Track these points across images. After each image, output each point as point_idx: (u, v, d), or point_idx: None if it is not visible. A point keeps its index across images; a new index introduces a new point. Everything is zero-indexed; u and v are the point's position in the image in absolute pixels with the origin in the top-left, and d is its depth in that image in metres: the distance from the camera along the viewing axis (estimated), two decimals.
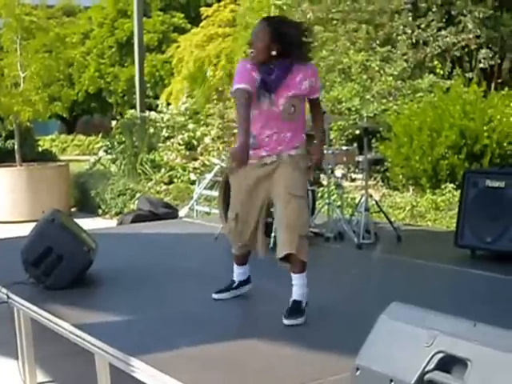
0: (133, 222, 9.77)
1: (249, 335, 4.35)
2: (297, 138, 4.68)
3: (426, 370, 2.56)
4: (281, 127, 4.63)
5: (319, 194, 9.31)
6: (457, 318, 2.67)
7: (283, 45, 4.54)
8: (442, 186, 10.60)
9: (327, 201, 7.60)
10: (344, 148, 8.42)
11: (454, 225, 7.04)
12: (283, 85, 4.57)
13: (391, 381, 2.61)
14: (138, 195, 12.71)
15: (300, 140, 4.70)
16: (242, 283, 5.25)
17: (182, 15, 28.30)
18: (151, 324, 4.68)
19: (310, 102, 4.84)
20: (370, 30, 14.54)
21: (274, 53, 4.53)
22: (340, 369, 3.54)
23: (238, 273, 5.25)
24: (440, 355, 2.56)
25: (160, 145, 15.48)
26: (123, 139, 15.49)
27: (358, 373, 2.77)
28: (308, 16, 14.62)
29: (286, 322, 4.52)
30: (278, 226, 4.70)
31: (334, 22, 14.68)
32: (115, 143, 15.70)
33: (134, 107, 18.24)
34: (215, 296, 5.17)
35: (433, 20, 14.08)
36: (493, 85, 13.99)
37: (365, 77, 13.39)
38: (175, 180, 14.06)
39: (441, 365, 2.56)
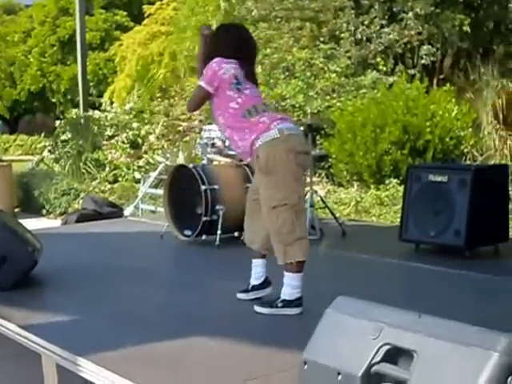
0: (77, 221, 9.68)
1: (196, 333, 4.35)
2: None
3: (372, 362, 2.59)
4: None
5: None
6: (402, 311, 2.71)
7: None
8: (386, 182, 10.71)
9: None
10: None
11: (399, 219, 7.13)
12: None
13: (338, 373, 2.64)
14: (82, 195, 12.58)
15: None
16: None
17: (125, 13, 28.13)
18: (97, 323, 4.65)
19: None
20: (314, 27, 14.61)
21: None
22: (287, 365, 3.59)
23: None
24: (386, 347, 2.59)
25: (104, 143, 15.36)
26: (67, 138, 15.33)
27: (305, 367, 2.79)
28: (253, 13, 14.64)
29: (256, 308, 4.70)
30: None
31: (278, 19, 14.71)
32: (59, 143, 15.52)
33: (77, 106, 18.07)
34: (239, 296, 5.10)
35: (375, 17, 14.20)
36: (435, 81, 14.17)
37: (308, 74, 13.44)
38: (120, 179, 13.95)
39: (387, 357, 2.59)
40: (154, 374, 3.70)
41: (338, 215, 8.25)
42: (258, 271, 5.03)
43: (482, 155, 12.25)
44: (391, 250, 6.75)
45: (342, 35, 14.16)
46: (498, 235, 6.57)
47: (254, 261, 5.05)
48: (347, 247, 7.10)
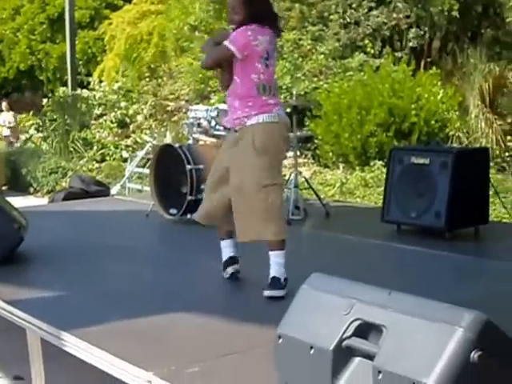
0: (64, 199, 9.74)
1: (180, 310, 4.42)
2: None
3: (344, 336, 2.68)
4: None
5: None
6: (373, 288, 2.80)
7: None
8: (371, 163, 10.81)
9: None
10: None
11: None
12: None
13: (311, 348, 2.73)
14: (69, 173, 12.64)
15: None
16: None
17: None
18: (83, 300, 4.73)
19: None
20: (304, 9, 14.63)
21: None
22: (266, 340, 3.68)
23: None
24: (357, 322, 2.68)
25: (92, 122, 15.40)
26: (55, 117, 15.36)
27: (280, 341, 2.88)
28: None
29: (265, 293, 4.60)
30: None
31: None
32: (46, 121, 15.55)
33: (65, 84, 18.07)
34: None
35: (364, 0, 14.26)
36: (422, 64, 14.25)
37: (296, 55, 13.50)
38: (107, 158, 14.02)
39: (358, 331, 2.68)
40: (137, 348, 3.78)
41: (323, 196, 8.34)
42: (228, 252, 5.08)
43: (468, 138, 12.35)
44: (373, 231, 6.84)
45: (331, 17, 14.19)
46: (479, 217, 6.66)
47: (222, 243, 5.09)
48: (330, 228, 7.18)
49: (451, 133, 11.69)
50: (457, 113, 12.11)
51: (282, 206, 4.77)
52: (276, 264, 4.69)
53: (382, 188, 8.68)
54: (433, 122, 11.12)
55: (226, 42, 4.64)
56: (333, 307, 2.76)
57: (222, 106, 7.85)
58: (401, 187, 6.69)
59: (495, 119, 12.69)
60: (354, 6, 14.26)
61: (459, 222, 6.46)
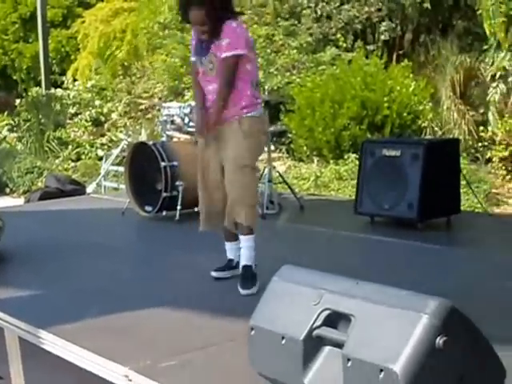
0: (40, 199, 9.74)
1: (156, 305, 4.48)
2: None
3: (314, 326, 2.75)
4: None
5: None
6: (342, 278, 2.87)
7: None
8: (345, 157, 10.89)
9: None
10: None
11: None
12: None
13: (283, 338, 2.79)
14: (45, 173, 12.61)
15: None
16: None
17: None
18: (60, 298, 4.77)
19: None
20: (277, 4, 14.67)
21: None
22: (241, 333, 3.76)
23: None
24: (326, 312, 2.75)
25: (68, 122, 15.37)
26: (29, 117, 15.32)
27: (252, 332, 2.94)
28: None
29: (242, 292, 4.64)
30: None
31: None
32: (21, 121, 15.51)
33: (39, 84, 18.02)
34: (214, 274, 5.04)
35: None
36: (394, 56, 14.34)
37: (269, 50, 13.54)
38: (83, 157, 14.00)
39: (327, 321, 2.75)
40: (114, 343, 3.84)
41: (298, 190, 8.42)
42: (233, 254, 5.06)
43: (441, 129, 12.45)
44: (347, 223, 6.93)
45: (304, 12, 14.25)
46: (450, 207, 6.76)
47: (227, 244, 5.08)
48: (305, 221, 7.26)
49: (424, 124, 11.79)
50: (430, 104, 12.21)
51: (256, 191, 4.92)
52: (246, 248, 4.78)
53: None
54: (405, 115, 11.22)
55: (230, 53, 4.60)
56: (303, 298, 2.83)
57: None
58: (373, 179, 6.78)
59: (467, 110, 12.79)
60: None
61: (431, 212, 6.55)
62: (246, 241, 4.78)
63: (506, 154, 12.23)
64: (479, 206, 8.45)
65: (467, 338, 2.59)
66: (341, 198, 9.28)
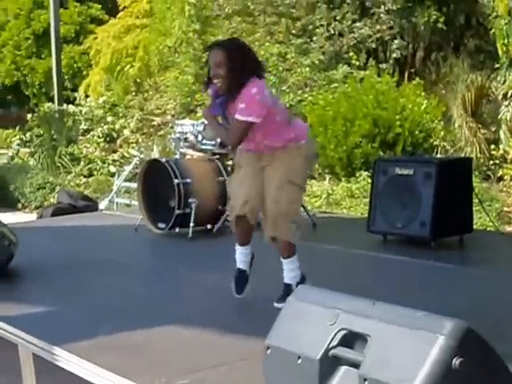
0: (53, 215, 9.78)
1: (169, 322, 4.49)
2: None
3: (330, 346, 2.76)
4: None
5: None
6: (357, 298, 2.88)
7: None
8: (357, 174, 10.89)
9: None
10: None
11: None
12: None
13: (299, 357, 2.80)
14: (57, 188, 12.67)
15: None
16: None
17: (99, 6, 28.08)
18: (73, 314, 4.78)
19: None
20: (290, 23, 14.74)
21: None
22: (254, 352, 3.78)
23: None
24: (343, 332, 2.76)
25: (80, 138, 15.45)
26: (41, 132, 15.40)
27: (268, 352, 2.95)
28: (226, 10, 14.77)
29: (276, 305, 4.59)
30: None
31: (256, 13, 14.81)
32: (33, 136, 15.59)
33: (51, 100, 18.12)
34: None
35: (347, 12, 14.37)
36: (406, 74, 14.37)
37: (281, 68, 13.59)
38: (95, 173, 14.06)
39: (344, 341, 2.76)
40: (128, 361, 3.84)
41: (309, 207, 8.43)
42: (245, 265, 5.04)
43: (452, 147, 12.45)
44: (360, 242, 6.92)
45: (316, 30, 14.31)
46: (463, 226, 6.76)
47: (240, 248, 5.03)
48: (317, 238, 7.25)
49: (435, 143, 11.79)
50: (441, 123, 12.22)
51: (299, 209, 4.98)
52: (288, 271, 4.80)
53: (368, 199, 8.79)
54: (417, 133, 11.23)
55: (242, 117, 4.57)
56: (319, 318, 2.84)
57: None
58: (386, 198, 6.79)
59: (479, 128, 12.80)
60: (338, 18, 14.38)
61: (444, 231, 6.55)
62: (289, 263, 4.81)
63: None
64: (491, 224, 8.44)
65: (483, 358, 2.60)
66: (353, 215, 9.28)
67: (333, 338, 2.76)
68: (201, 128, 7.60)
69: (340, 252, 6.60)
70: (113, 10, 24.68)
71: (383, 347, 2.61)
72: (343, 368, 2.77)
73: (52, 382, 4.34)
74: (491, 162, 12.05)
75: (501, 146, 12.45)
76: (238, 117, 4.58)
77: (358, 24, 14.36)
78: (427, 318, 2.62)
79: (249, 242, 4.97)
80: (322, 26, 14.29)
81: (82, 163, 14.33)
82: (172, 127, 9.86)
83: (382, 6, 14.32)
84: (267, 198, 4.69)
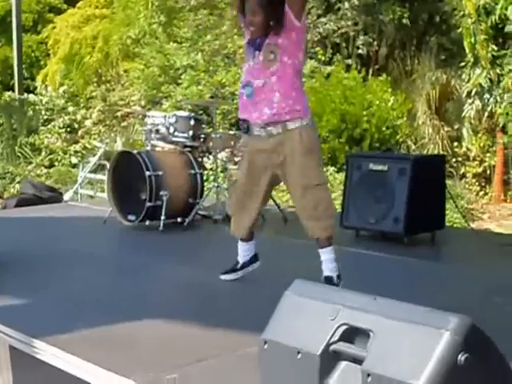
0: (17, 206, 9.60)
1: (146, 316, 4.43)
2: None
3: (331, 341, 2.73)
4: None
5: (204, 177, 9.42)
6: (358, 293, 2.86)
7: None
8: (324, 170, 10.91)
9: (215, 184, 7.69)
10: (231, 132, 8.60)
11: (338, 207, 7.29)
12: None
13: (298, 352, 2.77)
14: (17, 179, 12.50)
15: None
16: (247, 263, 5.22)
17: None
18: (48, 307, 4.70)
19: None
20: None
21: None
22: (239, 345, 3.75)
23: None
24: (344, 327, 2.73)
25: (41, 128, 15.25)
26: (1, 122, 15.17)
27: (265, 346, 2.91)
28: (192, 2, 14.68)
29: None
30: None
31: (223, 6, 14.75)
32: None
33: (10, 89, 17.85)
34: (222, 277, 5.13)
35: (313, 7, 14.38)
36: (371, 71, 14.44)
37: None
38: (56, 163, 13.90)
39: (345, 336, 2.73)
40: (111, 355, 3.77)
41: (278, 202, 8.39)
42: (246, 252, 5.15)
43: (415, 144, 12.55)
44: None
45: None
46: (435, 223, 6.79)
47: (241, 243, 5.13)
48: (289, 233, 7.23)
49: (401, 139, 11.88)
50: (405, 119, 12.31)
51: (330, 203, 4.93)
52: (327, 261, 4.85)
53: (336, 194, 8.81)
54: (384, 129, 11.31)
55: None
56: (318, 312, 2.81)
57: (180, 113, 7.88)
58: (359, 193, 6.79)
59: (442, 125, 12.92)
60: None
61: (417, 227, 6.58)
62: (326, 253, 4.86)
63: (480, 170, 12.37)
64: (457, 221, 8.51)
65: (486, 354, 2.59)
66: None
67: (333, 333, 2.73)
68: (173, 120, 7.53)
69: (311, 247, 6.56)
70: (72, 0, 24.38)
71: (387, 342, 2.59)
72: (343, 363, 2.74)
73: (29, 376, 4.25)
74: (454, 160, 12.17)
75: (463, 144, 12.58)
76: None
77: (322, 19, 14.37)
78: (431, 313, 2.60)
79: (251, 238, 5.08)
80: None
81: (43, 153, 14.15)
82: (143, 118, 9.75)
83: (347, 2, 14.36)
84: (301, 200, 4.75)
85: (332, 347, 2.73)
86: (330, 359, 2.72)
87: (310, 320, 2.82)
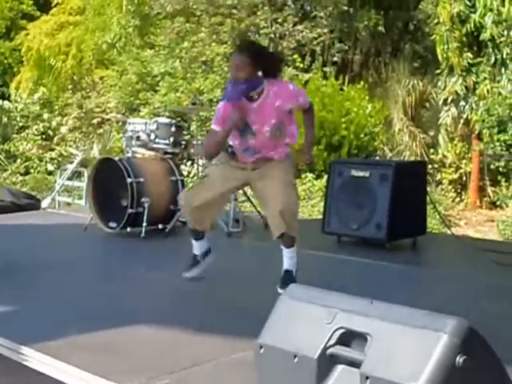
0: None
1: (134, 322, 4.40)
2: None
3: (327, 345, 2.74)
4: None
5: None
6: (354, 297, 2.87)
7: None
8: (302, 176, 10.95)
9: None
10: None
11: (316, 213, 7.33)
12: None
13: (295, 356, 2.78)
14: None
15: None
16: (205, 254, 5.41)
17: (31, 2, 27.55)
18: (35, 314, 4.65)
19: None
20: (235, 23, 14.74)
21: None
22: (234, 350, 3.75)
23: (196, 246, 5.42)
24: (340, 331, 2.75)
25: (15, 136, 15.15)
26: None
27: (261, 350, 2.92)
28: (167, 9, 14.67)
29: (280, 290, 4.77)
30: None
31: (199, 13, 14.76)
32: None
33: None
34: (187, 275, 5.34)
35: (289, 15, 14.44)
36: (346, 78, 14.50)
37: (226, 69, 13.57)
38: (32, 170, 13.82)
39: (342, 340, 2.75)
40: (102, 361, 3.73)
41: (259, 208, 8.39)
42: (204, 247, 5.39)
43: (392, 151, 12.62)
44: (313, 242, 6.90)
45: (261, 31, 14.34)
46: (417, 228, 6.84)
47: (198, 242, 5.40)
48: (269, 239, 7.20)
49: (378, 146, 11.95)
50: (381, 126, 12.37)
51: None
52: (289, 258, 5.10)
53: (315, 200, 8.85)
54: (362, 136, 11.36)
55: (305, 100, 5.27)
56: (315, 316, 2.82)
57: (161, 120, 7.86)
58: (341, 199, 6.82)
59: (418, 132, 13.01)
60: (279, 20, 14.43)
61: (399, 233, 6.62)
62: (291, 252, 5.11)
63: (456, 176, 12.46)
64: (436, 227, 8.57)
65: (483, 356, 2.62)
66: (304, 217, 9.29)
67: (330, 337, 2.75)
68: (154, 127, 7.51)
69: None
70: (45, 7, 24.26)
71: (385, 345, 2.60)
72: (340, 367, 2.75)
73: (17, 383, 4.22)
74: (430, 166, 12.25)
75: (440, 151, 12.67)
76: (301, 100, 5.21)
77: (298, 27, 14.43)
78: (429, 316, 2.62)
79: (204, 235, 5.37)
80: (265, 27, 14.33)
81: (18, 161, 14.07)
82: (122, 125, 9.73)
83: (322, 11, 14.44)
84: (276, 198, 4.91)
85: (329, 351, 2.74)
86: (327, 363, 2.74)
87: (307, 324, 2.83)
